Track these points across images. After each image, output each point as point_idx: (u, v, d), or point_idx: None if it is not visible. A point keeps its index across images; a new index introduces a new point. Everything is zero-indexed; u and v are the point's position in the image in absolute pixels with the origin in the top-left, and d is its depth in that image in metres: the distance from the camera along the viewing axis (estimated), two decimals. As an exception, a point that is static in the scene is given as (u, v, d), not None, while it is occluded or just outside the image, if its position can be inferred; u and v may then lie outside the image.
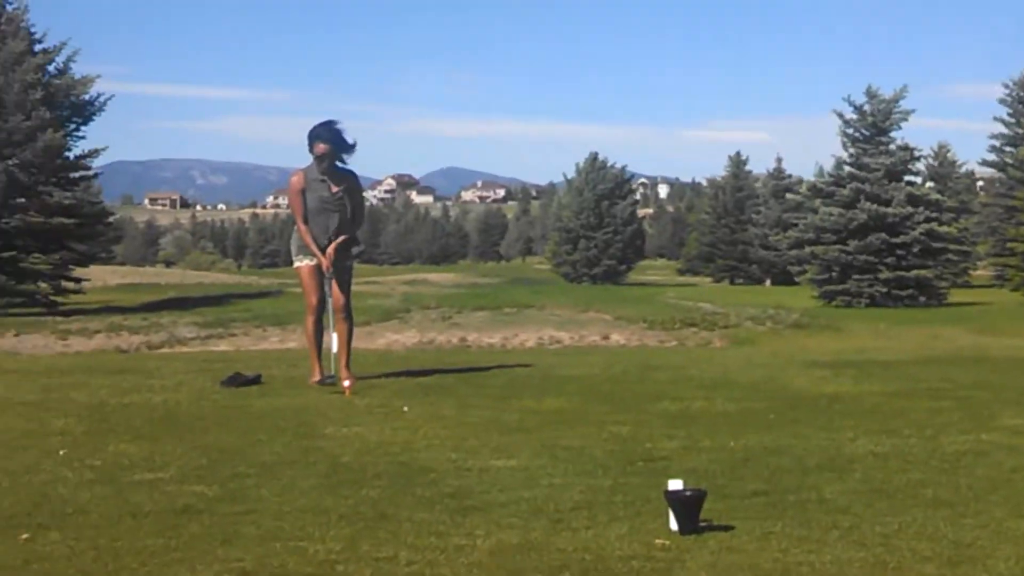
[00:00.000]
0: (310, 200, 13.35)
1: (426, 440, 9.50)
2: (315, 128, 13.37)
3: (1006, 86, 77.03)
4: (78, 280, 46.09)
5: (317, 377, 13.22)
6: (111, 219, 55.37)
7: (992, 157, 78.73)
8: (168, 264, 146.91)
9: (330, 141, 13.28)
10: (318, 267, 13.38)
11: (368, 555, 5.97)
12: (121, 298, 50.57)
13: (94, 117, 46.44)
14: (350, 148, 13.47)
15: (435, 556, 5.95)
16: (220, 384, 13.12)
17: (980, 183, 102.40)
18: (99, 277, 59.26)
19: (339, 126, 13.44)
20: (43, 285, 44.58)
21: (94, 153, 46.84)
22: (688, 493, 6.56)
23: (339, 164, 13.44)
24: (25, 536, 6.35)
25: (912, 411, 11.17)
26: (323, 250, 13.33)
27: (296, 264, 13.63)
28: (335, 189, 13.35)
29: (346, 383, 12.65)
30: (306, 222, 13.37)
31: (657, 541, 6.25)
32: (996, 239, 69.91)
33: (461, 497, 7.33)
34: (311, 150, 13.28)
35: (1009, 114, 76.69)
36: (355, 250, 14.00)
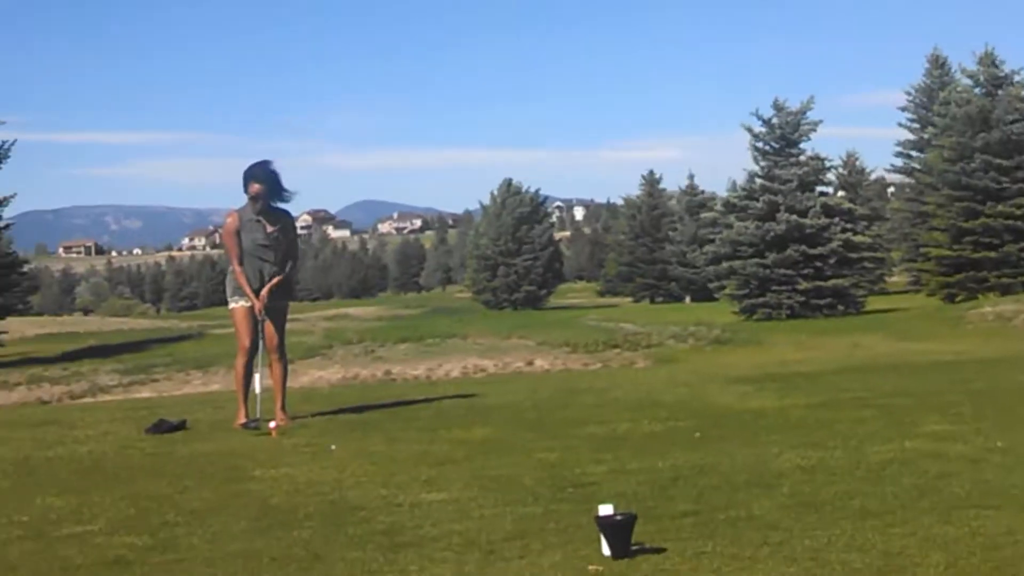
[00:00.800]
0: (245, 241, 13.26)
1: (355, 477, 9.48)
2: (251, 168, 13.28)
3: (908, 93, 77.94)
4: (-5, 333, 45.62)
5: (243, 420, 13.15)
6: (25, 268, 54.88)
7: (900, 163, 79.54)
8: (86, 312, 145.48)
9: (265, 181, 13.20)
10: (252, 309, 13.31)
11: (302, 598, 5.96)
12: (40, 349, 50.11)
13: (0, 165, 46.01)
14: (285, 190, 13.41)
15: (369, 596, 5.94)
16: (145, 432, 13.01)
17: (891, 189, 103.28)
18: (16, 329, 58.67)
19: (274, 167, 13.38)
20: (-41, 339, 44.10)
21: (3, 201, 46.40)
22: (619, 518, 6.59)
23: (273, 204, 13.38)
24: (-46, 599, 6.29)
25: (836, 422, 11.27)
26: (257, 292, 13.27)
27: (231, 305, 13.50)
28: (270, 229, 13.28)
29: (271, 424, 12.60)
30: (241, 263, 13.30)
31: (591, 567, 6.27)
32: (909, 244, 70.42)
33: (393, 533, 7.32)
34: (246, 190, 13.19)
35: (911, 119, 77.48)
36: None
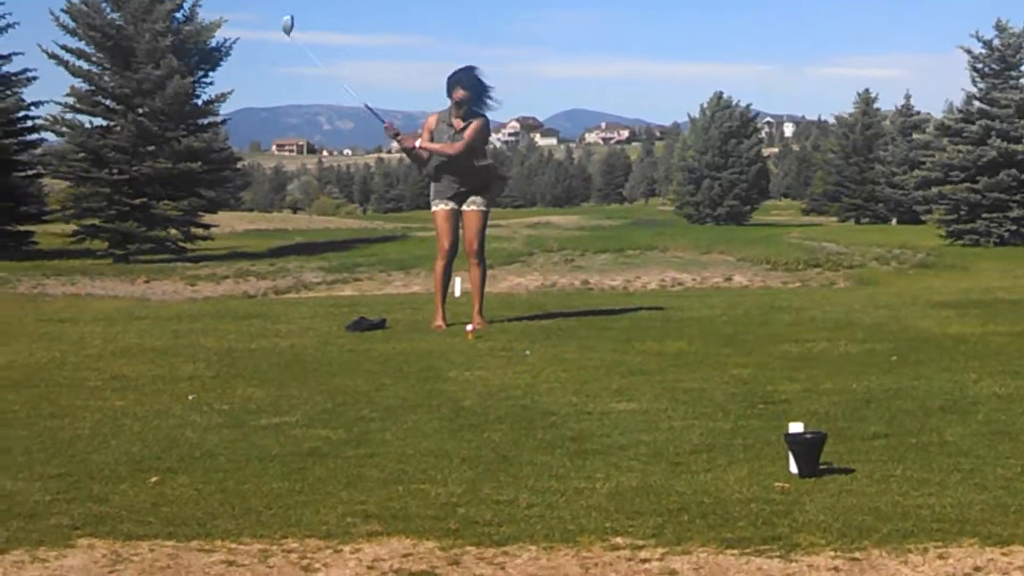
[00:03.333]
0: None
1: (548, 383, 9.57)
2: (455, 73, 13.40)
3: None
4: (207, 226, 46.64)
5: (439, 323, 13.36)
6: (239, 165, 56.06)
7: None
8: (295, 209, 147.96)
9: (470, 88, 13.32)
10: (453, 212, 13.49)
11: (489, 498, 6.06)
12: (248, 244, 51.18)
13: (221, 63, 46.85)
14: (490, 97, 13.52)
15: (555, 499, 6.02)
16: (345, 328, 13.29)
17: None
18: (227, 223, 60.02)
19: (479, 73, 13.48)
20: (173, 231, 45.21)
21: (221, 98, 47.25)
22: (808, 436, 6.56)
23: (475, 110, 13.49)
24: (155, 479, 6.52)
25: (1040, 352, 11.04)
26: (453, 197, 13.46)
27: (433, 208, 13.75)
28: (456, 131, 13.41)
29: (468, 327, 12.77)
30: (427, 155, 13.48)
31: (776, 484, 6.27)
32: None
33: (581, 440, 7.40)
34: (449, 95, 13.34)
35: None
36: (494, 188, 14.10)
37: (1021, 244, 44.54)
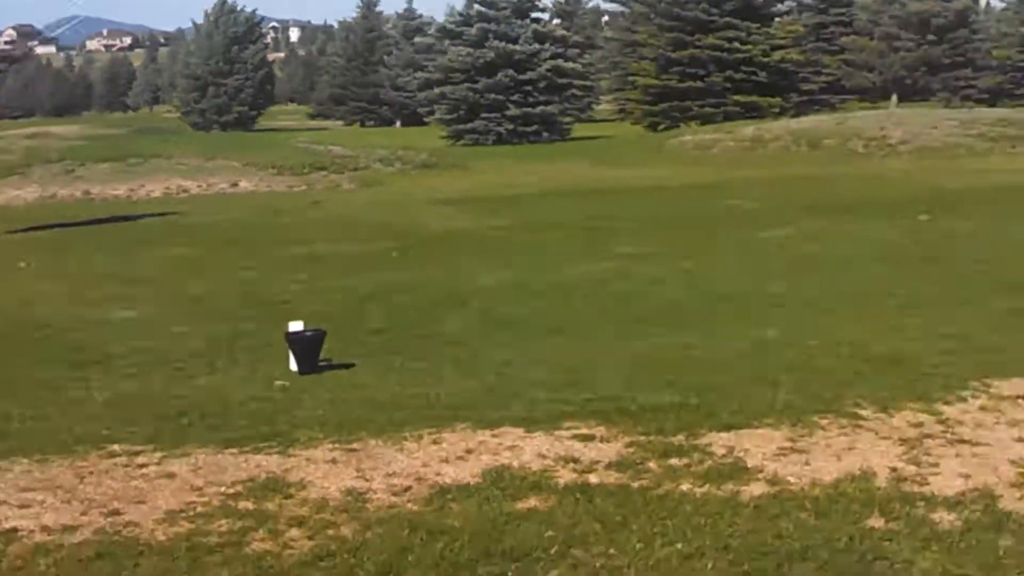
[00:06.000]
0: None
1: (45, 295, 9.32)
2: None
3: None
4: None
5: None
6: None
7: (616, -8, 79.81)
8: None
9: None
10: None
11: (-21, 414, 5.85)
12: None
13: None
14: None
15: (50, 411, 5.88)
16: None
17: (605, 19, 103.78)
18: None
19: None
20: None
21: None
22: (308, 334, 6.62)
23: None
24: None
25: (534, 244, 11.46)
26: None
27: None
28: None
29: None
30: None
31: (277, 382, 6.30)
32: (619, 74, 71.01)
33: (79, 351, 7.25)
34: None
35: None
36: None
37: (518, 142, 45.88)
